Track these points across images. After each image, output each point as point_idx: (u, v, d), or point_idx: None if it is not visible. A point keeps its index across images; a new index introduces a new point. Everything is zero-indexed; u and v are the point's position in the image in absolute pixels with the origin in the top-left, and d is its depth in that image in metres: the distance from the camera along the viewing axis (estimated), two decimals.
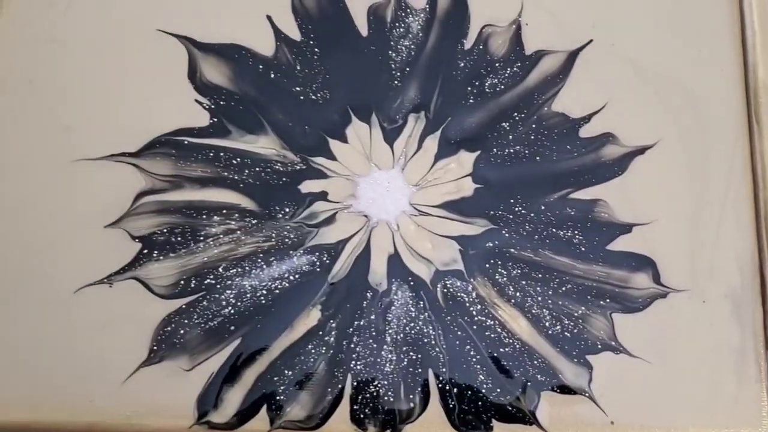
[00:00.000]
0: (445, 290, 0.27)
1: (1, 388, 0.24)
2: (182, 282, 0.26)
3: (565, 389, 0.26)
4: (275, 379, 0.26)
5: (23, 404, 0.24)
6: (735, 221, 0.28)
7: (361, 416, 0.25)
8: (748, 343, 0.28)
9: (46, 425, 0.25)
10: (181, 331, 0.25)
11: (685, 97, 0.30)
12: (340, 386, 0.26)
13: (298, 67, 0.28)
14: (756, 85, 0.31)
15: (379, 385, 0.25)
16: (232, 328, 0.26)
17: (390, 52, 0.29)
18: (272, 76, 0.28)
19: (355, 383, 0.26)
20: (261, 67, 0.28)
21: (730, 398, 0.26)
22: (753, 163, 0.30)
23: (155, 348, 0.25)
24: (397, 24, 0.29)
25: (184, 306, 0.26)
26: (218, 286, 0.26)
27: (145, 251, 0.26)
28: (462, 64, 0.29)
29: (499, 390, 0.26)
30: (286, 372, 0.26)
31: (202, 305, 0.26)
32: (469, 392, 0.26)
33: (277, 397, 0.25)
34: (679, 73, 0.29)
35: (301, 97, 0.28)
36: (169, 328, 0.25)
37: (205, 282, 0.26)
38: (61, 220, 0.26)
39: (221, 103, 0.28)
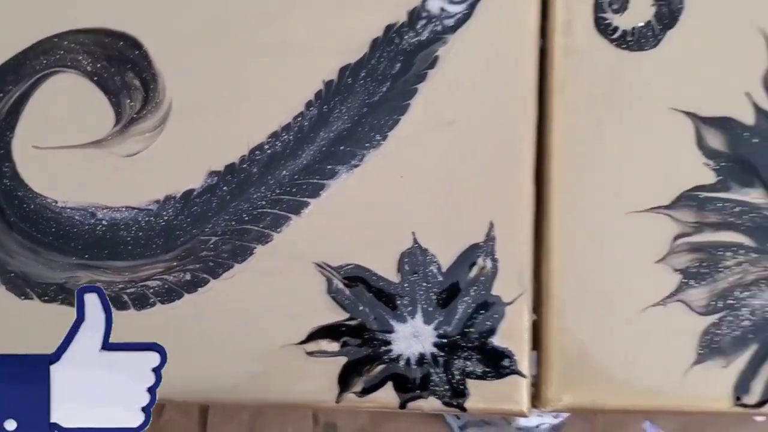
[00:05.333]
0: None
1: None
2: (712, 303, 0.38)
3: None
4: None
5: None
6: None
7: None
8: None
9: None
10: (717, 339, 0.37)
11: None
12: None
13: None
14: None
15: None
16: (750, 336, 0.38)
17: None
18: (755, 140, 0.39)
19: None
20: (746, 133, 0.39)
21: None
22: None
23: (701, 352, 0.37)
24: None
25: (716, 320, 0.38)
26: (736, 305, 0.38)
27: (685, 280, 0.38)
28: None
29: None
30: None
31: (728, 320, 0.38)
32: None
33: None
34: None
35: None
36: (709, 336, 0.37)
37: (728, 302, 0.38)
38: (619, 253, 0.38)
39: (723, 164, 0.39)
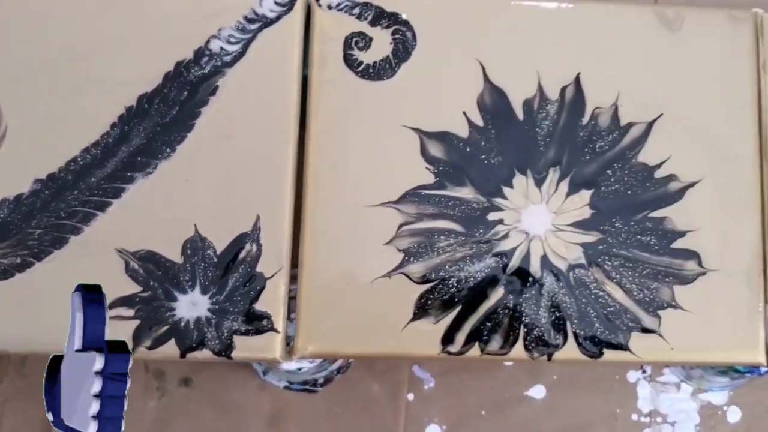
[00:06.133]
0: (575, 275, 0.51)
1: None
2: (427, 275, 0.50)
3: (645, 330, 0.50)
4: (481, 328, 0.50)
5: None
6: (749, 228, 0.52)
7: (530, 347, 0.50)
8: (754, 301, 0.51)
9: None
10: (430, 302, 0.50)
11: (715, 144, 0.52)
12: (516, 332, 0.50)
13: (483, 143, 0.52)
14: (765, 132, 0.53)
15: (539, 331, 0.50)
16: (456, 300, 0.51)
17: (537, 128, 0.53)
18: (468, 149, 0.52)
19: (526, 331, 0.50)
20: (461, 144, 0.51)
21: (740, 332, 0.50)
22: (762, 188, 0.53)
23: (416, 312, 0.50)
24: (540, 110, 0.52)
25: (429, 287, 0.50)
26: (446, 276, 0.51)
27: (406, 257, 0.51)
28: (581, 134, 0.53)
29: (608, 333, 0.50)
30: (487, 324, 0.50)
31: (439, 287, 0.50)
32: (590, 334, 0.50)
33: (484, 337, 0.50)
34: (710, 127, 0.52)
35: (485, 162, 0.52)
36: (423, 300, 0.50)
37: (440, 274, 0.50)
38: (357, 237, 0.50)
39: (441, 168, 0.51)
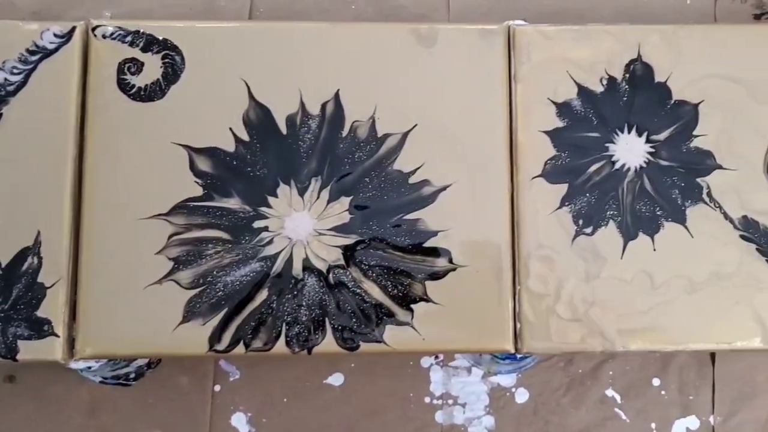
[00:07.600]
0: (335, 276, 0.56)
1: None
2: (196, 280, 0.56)
3: (399, 323, 0.56)
4: (246, 327, 0.55)
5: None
6: (498, 227, 0.56)
7: (291, 343, 0.55)
8: (503, 294, 0.56)
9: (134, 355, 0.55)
10: (198, 305, 0.55)
11: (467, 150, 0.57)
12: (278, 329, 0.55)
13: (248, 156, 0.57)
14: (517, 143, 0.58)
15: (300, 328, 0.55)
16: (223, 302, 0.56)
17: (299, 142, 0.58)
18: (234, 162, 0.56)
19: (287, 327, 0.55)
20: (228, 158, 0.56)
21: (489, 323, 0.55)
22: (511, 190, 0.57)
23: (185, 315, 0.55)
24: (302, 125, 0.57)
25: (198, 292, 0.55)
26: (214, 281, 0.56)
27: (176, 265, 0.56)
28: (341, 145, 0.58)
29: (363, 326, 0.56)
30: (251, 323, 0.55)
31: (207, 291, 0.56)
32: (347, 328, 0.55)
33: (248, 336, 0.55)
34: (463, 135, 0.57)
35: (251, 174, 0.57)
36: (192, 304, 0.55)
37: (208, 279, 0.56)
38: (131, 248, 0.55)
39: (208, 181, 0.56)
